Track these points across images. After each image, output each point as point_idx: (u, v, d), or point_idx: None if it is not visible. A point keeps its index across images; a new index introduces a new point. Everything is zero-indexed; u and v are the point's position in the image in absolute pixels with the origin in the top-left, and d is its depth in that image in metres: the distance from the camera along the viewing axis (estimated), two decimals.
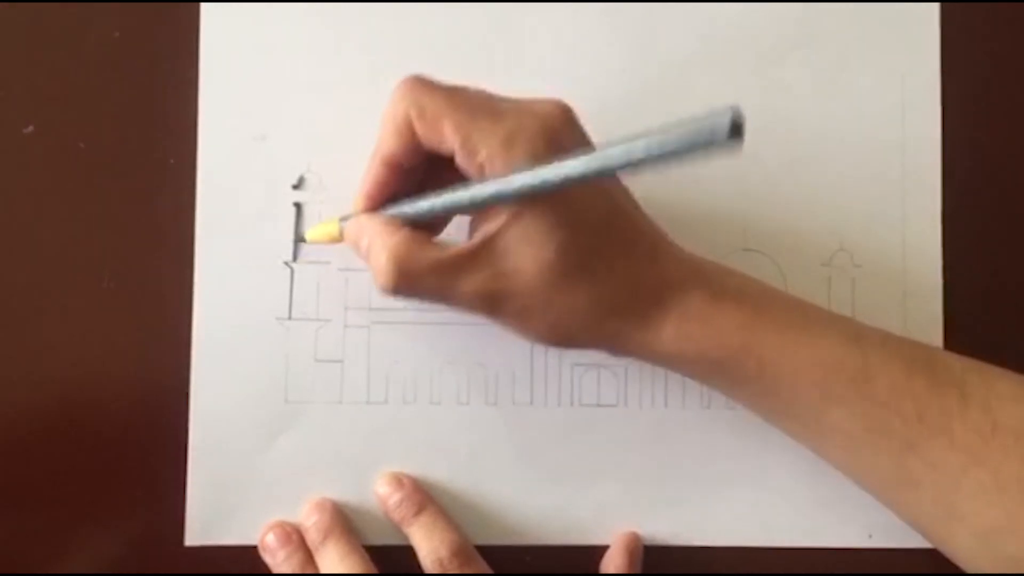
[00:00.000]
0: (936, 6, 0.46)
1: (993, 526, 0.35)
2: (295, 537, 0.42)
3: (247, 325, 0.43)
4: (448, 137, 0.36)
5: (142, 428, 0.43)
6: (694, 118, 0.28)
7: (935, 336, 0.45)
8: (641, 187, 0.39)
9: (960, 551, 0.37)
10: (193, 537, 0.43)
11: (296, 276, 0.44)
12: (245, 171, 0.44)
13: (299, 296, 0.44)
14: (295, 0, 0.44)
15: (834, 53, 0.46)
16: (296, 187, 0.44)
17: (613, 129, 0.43)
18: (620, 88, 0.45)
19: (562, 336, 0.38)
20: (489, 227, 0.36)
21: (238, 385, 0.43)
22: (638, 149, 0.30)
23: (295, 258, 0.44)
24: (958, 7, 0.46)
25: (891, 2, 0.46)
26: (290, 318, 0.43)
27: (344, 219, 0.40)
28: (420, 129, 0.36)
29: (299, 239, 0.43)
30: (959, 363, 0.38)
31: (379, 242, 0.37)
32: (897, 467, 0.37)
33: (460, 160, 0.36)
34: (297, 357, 0.43)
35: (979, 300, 0.46)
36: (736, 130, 0.27)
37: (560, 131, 0.36)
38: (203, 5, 0.44)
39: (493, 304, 0.37)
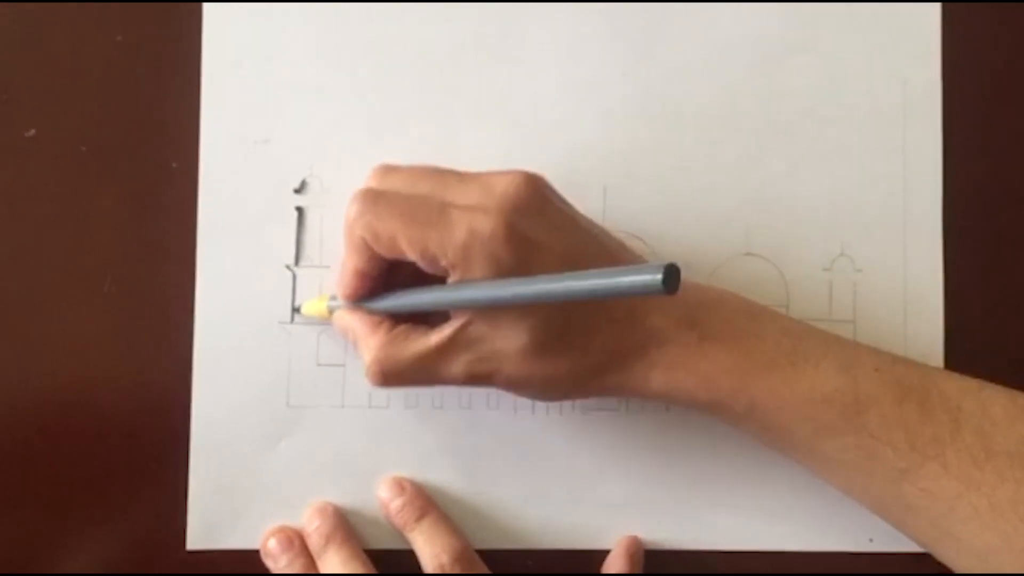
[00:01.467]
0: (937, 8, 0.46)
1: (989, 547, 0.36)
2: (297, 542, 0.42)
3: (249, 329, 0.43)
4: (406, 252, 0.37)
5: (144, 432, 0.43)
6: (633, 268, 0.30)
7: (936, 341, 0.45)
8: (638, 190, 0.38)
9: (959, 567, 0.38)
10: (195, 541, 0.43)
11: (298, 280, 0.44)
12: (247, 175, 0.44)
13: (301, 300, 0.44)
14: (298, 1, 0.44)
15: (835, 56, 0.45)
16: (298, 191, 0.44)
17: (616, 134, 0.44)
18: (620, 91, 0.45)
19: (554, 396, 0.41)
20: (460, 316, 0.38)
21: (240, 389, 0.43)
22: (577, 288, 0.32)
23: (297, 262, 0.44)
24: (959, 9, 0.46)
25: (892, 1, 0.46)
26: (292, 322, 0.43)
27: (332, 299, 0.42)
28: (378, 249, 0.38)
29: (295, 309, 0.44)
30: (955, 386, 0.38)
31: (363, 343, 0.40)
32: (892, 494, 0.38)
33: (423, 268, 0.37)
34: (299, 361, 0.43)
35: (981, 305, 0.45)
36: (671, 284, 0.29)
37: (519, 216, 0.36)
38: (205, 7, 0.44)
39: (481, 381, 0.38)
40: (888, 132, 0.45)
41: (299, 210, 0.44)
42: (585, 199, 0.41)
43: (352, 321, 0.40)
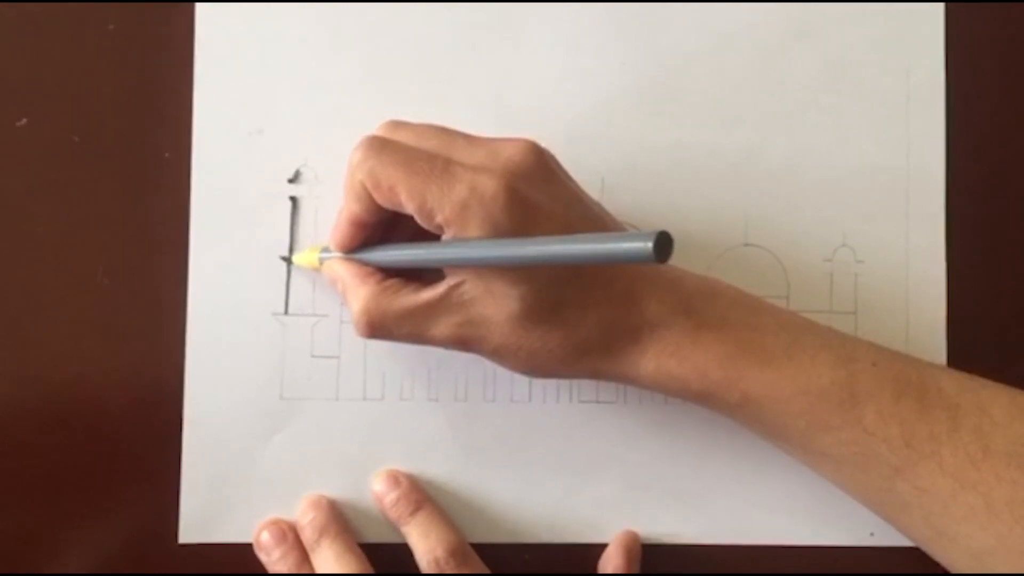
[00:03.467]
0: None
1: (984, 548, 0.36)
2: (290, 535, 0.42)
3: (242, 320, 0.43)
4: (404, 203, 0.36)
5: (136, 424, 0.43)
6: (625, 235, 0.30)
7: (939, 334, 0.45)
8: (637, 181, 0.38)
9: (955, 567, 0.38)
10: (187, 535, 0.42)
11: (292, 271, 0.43)
12: (241, 165, 0.43)
13: (295, 291, 0.43)
14: None
15: (837, 46, 0.45)
16: (292, 181, 0.43)
17: (615, 124, 0.44)
18: (621, 82, 0.45)
19: (539, 372, 0.39)
20: (453, 276, 0.37)
21: (233, 381, 0.43)
22: (568, 252, 0.32)
23: (291, 253, 0.43)
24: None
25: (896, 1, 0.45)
26: (286, 313, 0.43)
27: (324, 251, 0.41)
28: (377, 197, 0.37)
29: (287, 259, 0.43)
30: (955, 383, 0.38)
31: (351, 292, 0.39)
32: (886, 490, 0.37)
33: (419, 222, 0.37)
34: (293, 353, 0.43)
35: (984, 297, 0.45)
36: (662, 252, 0.28)
37: (522, 182, 0.36)
38: None
39: (466, 345, 0.38)
40: (891, 121, 0.45)
41: (293, 200, 0.43)
42: (584, 190, 0.40)
43: (342, 271, 0.40)
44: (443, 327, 0.38)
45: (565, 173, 0.39)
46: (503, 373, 0.42)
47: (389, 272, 0.39)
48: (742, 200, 0.44)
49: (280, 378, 0.43)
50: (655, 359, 0.38)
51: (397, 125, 0.39)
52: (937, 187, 0.45)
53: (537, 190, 0.36)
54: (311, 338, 0.43)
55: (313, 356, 0.43)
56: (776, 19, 0.45)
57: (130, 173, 0.43)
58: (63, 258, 0.43)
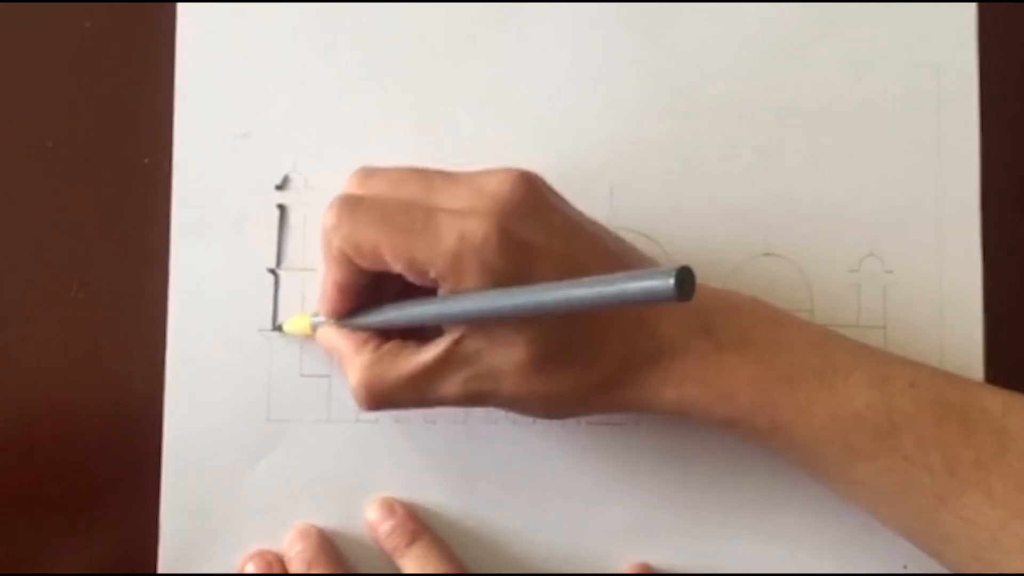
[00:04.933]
0: None
1: None
2: (277, 567, 0.41)
3: (226, 337, 0.42)
4: (391, 264, 0.35)
5: (112, 448, 0.42)
6: (642, 274, 0.28)
7: (975, 350, 0.43)
8: (647, 186, 0.37)
9: None
10: (167, 566, 0.41)
11: (280, 284, 0.42)
12: (225, 171, 0.42)
13: (283, 306, 0.42)
14: None
15: (860, 42, 0.44)
16: (280, 188, 0.42)
17: (624, 125, 0.43)
18: (630, 81, 0.43)
19: (558, 415, 0.39)
20: (453, 330, 0.36)
21: (216, 402, 0.42)
22: (581, 297, 0.30)
23: (279, 264, 0.42)
24: None
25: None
26: (273, 329, 0.42)
27: (315, 316, 0.40)
28: (360, 262, 0.36)
29: (276, 327, 0.42)
30: (1000, 404, 0.36)
31: (347, 364, 0.38)
32: (929, 522, 0.36)
33: (412, 280, 0.35)
34: (281, 372, 0.42)
35: (1023, 309, 0.44)
36: (685, 290, 0.27)
37: (514, 219, 0.35)
38: None
39: (478, 401, 0.37)
40: (920, 123, 0.44)
41: (281, 208, 0.42)
42: (591, 197, 0.40)
43: (337, 339, 0.39)
44: (450, 386, 0.36)
45: (559, 197, 0.37)
46: None
47: (388, 334, 0.38)
48: (761, 207, 0.43)
49: (267, 398, 0.42)
50: (676, 387, 0.36)
51: (367, 174, 0.37)
52: (971, 191, 0.44)
53: (530, 225, 0.35)
54: (300, 355, 0.42)
55: (302, 375, 0.42)
56: (796, 14, 0.44)
57: (107, 179, 0.42)
58: (35, 271, 0.42)
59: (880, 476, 0.36)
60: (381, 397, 0.37)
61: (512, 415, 0.41)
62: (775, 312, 0.38)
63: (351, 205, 0.36)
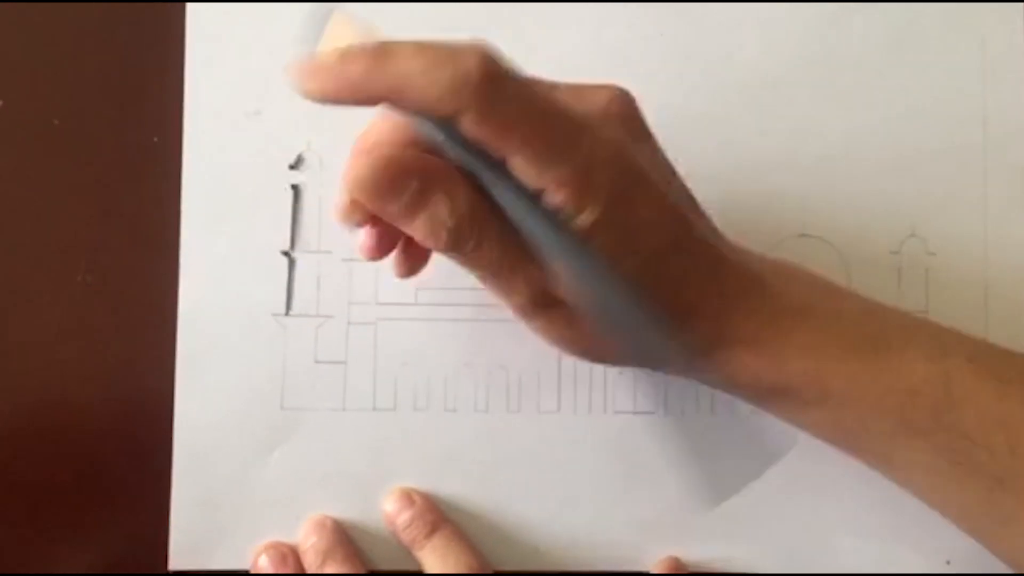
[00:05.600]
0: None
1: None
2: (291, 560, 0.40)
3: (239, 322, 0.41)
4: (516, 147, 0.30)
5: (121, 439, 0.41)
6: None
7: (1020, 335, 0.42)
8: (677, 165, 0.36)
9: None
10: (178, 561, 0.41)
11: (294, 267, 0.42)
12: (237, 150, 0.42)
13: (298, 290, 0.41)
14: None
15: (901, 12, 0.43)
16: (294, 167, 0.42)
17: (652, 102, 0.40)
18: (659, 52, 0.42)
19: (598, 355, 0.37)
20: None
21: (229, 390, 0.41)
22: None
23: (293, 247, 0.41)
24: None
25: None
26: (287, 314, 0.41)
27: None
28: (479, 132, 0.30)
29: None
30: None
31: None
32: (986, 503, 0.35)
33: (520, 169, 0.30)
34: (295, 358, 0.41)
35: None
36: None
37: (628, 132, 0.33)
38: None
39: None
40: (964, 97, 0.43)
41: (295, 189, 0.42)
42: None
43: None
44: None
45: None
46: (528, 381, 0.42)
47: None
48: (797, 186, 0.43)
49: (280, 386, 0.41)
50: (728, 347, 0.34)
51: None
52: (1018, 169, 0.43)
53: (637, 136, 0.34)
54: (315, 341, 0.41)
55: (317, 361, 0.41)
56: None
57: (115, 160, 0.42)
58: (40, 254, 0.41)
59: (936, 454, 0.35)
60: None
61: (535, 403, 0.41)
62: (830, 282, 0.37)
63: (497, 72, 0.29)
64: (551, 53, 0.42)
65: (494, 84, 0.29)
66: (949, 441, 0.34)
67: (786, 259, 0.38)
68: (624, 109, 0.33)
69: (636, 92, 0.41)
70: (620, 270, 0.32)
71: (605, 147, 0.31)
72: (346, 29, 0.31)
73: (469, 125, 0.29)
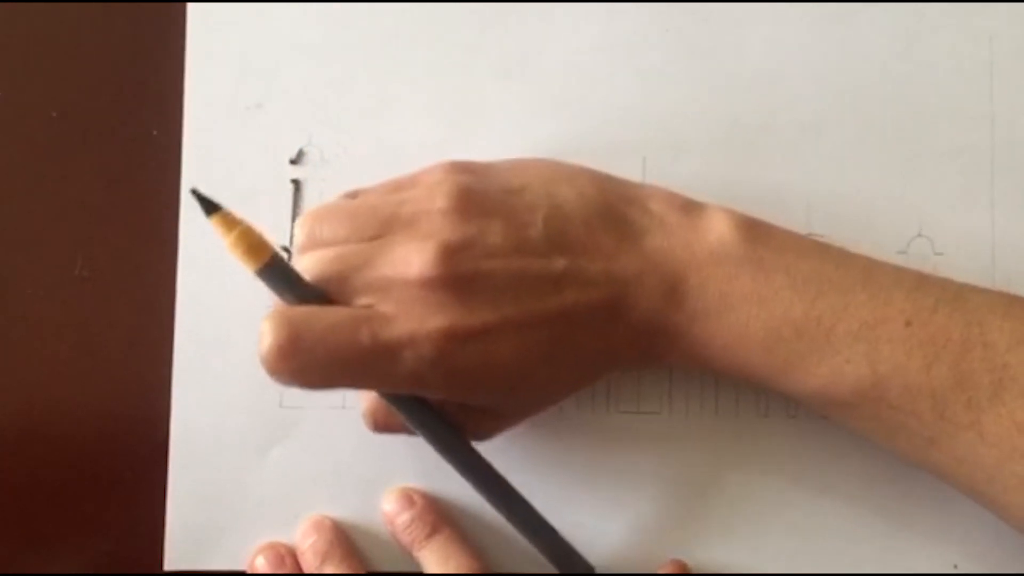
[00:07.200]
0: None
1: None
2: (289, 561, 0.40)
3: (238, 318, 0.41)
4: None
5: (116, 437, 0.41)
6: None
7: None
8: (682, 161, 0.37)
9: (1014, 523, 0.37)
10: (173, 561, 0.41)
11: (294, 263, 0.40)
12: (237, 144, 0.42)
13: None
14: None
15: (908, 9, 0.43)
16: (295, 162, 0.42)
17: (657, 97, 0.42)
18: (665, 48, 0.42)
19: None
20: None
21: (227, 387, 0.41)
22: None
23: (293, 242, 0.41)
24: None
25: None
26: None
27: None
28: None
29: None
30: (1007, 334, 0.35)
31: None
32: (922, 460, 0.37)
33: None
34: None
35: None
36: None
37: (450, 269, 0.35)
38: None
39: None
40: (972, 94, 0.43)
41: (296, 183, 0.42)
42: (623, 172, 0.39)
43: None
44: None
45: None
46: None
47: None
48: (803, 184, 0.42)
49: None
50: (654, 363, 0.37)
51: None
52: None
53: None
54: None
55: None
56: None
57: (113, 152, 0.42)
58: (37, 249, 0.42)
59: (864, 422, 0.36)
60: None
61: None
62: (754, 248, 0.36)
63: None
64: (557, 52, 0.42)
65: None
66: (875, 411, 0.35)
67: (702, 225, 0.37)
68: (432, 270, 0.33)
69: (642, 90, 0.42)
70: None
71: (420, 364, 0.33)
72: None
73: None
